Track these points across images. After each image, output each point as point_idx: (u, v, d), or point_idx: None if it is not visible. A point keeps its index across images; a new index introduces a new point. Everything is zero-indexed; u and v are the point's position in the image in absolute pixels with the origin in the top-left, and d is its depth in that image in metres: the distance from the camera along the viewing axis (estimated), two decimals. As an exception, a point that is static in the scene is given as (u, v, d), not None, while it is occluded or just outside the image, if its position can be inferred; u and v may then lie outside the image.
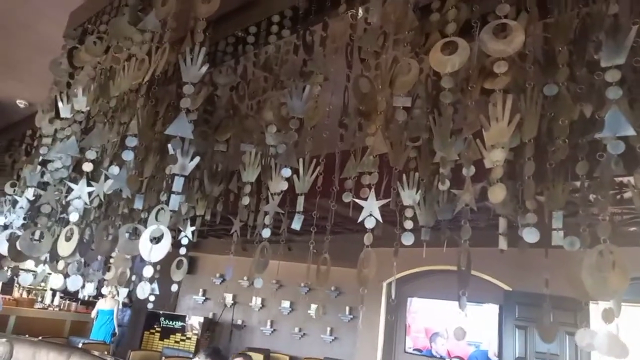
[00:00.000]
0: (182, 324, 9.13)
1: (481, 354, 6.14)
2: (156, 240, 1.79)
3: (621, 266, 1.86)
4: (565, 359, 5.21)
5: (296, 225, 2.21)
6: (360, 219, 1.90)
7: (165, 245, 1.77)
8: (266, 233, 2.21)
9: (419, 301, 7.01)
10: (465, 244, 1.95)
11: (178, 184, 1.91)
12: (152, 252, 1.74)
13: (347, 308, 9.65)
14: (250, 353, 9.05)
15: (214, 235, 8.84)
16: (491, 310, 6.11)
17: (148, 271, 1.79)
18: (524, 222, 1.94)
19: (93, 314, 8.05)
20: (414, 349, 6.86)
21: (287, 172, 2.22)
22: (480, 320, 6.24)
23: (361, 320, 7.72)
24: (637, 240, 4.93)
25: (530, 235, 2.06)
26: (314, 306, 10.06)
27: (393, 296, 4.44)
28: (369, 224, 1.88)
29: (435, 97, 2.24)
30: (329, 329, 9.85)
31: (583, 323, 2.79)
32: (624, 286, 1.92)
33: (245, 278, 10.43)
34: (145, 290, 1.83)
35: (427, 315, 6.85)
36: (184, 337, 9.00)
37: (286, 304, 10.16)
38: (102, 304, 7.93)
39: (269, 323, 10.15)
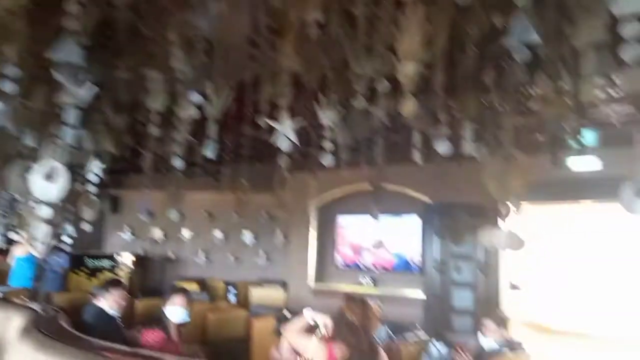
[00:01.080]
0: (110, 263, 8.90)
1: (404, 263, 6.59)
2: (52, 178, 1.62)
3: (522, 170, 2.00)
4: (479, 259, 5.73)
5: (209, 152, 2.12)
6: (274, 141, 1.84)
7: (62, 183, 1.61)
8: (178, 163, 2.10)
9: (346, 218, 7.27)
10: (379, 160, 1.97)
11: (70, 115, 1.72)
12: (47, 190, 1.58)
13: (280, 232, 9.88)
14: (186, 283, 9.11)
15: (135, 171, 8.44)
16: (413, 222, 6.48)
17: (43, 211, 1.63)
18: (436, 134, 1.98)
19: (9, 260, 7.58)
20: (343, 265, 7.22)
21: (196, 97, 2.07)
22: (403, 232, 6.63)
23: (290, 243, 7.93)
24: (539, 147, 5.33)
25: (442, 146, 2.13)
26: (246, 233, 10.18)
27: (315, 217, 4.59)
28: (283, 144, 1.84)
29: (348, 12, 2.13)
30: (262, 252, 10.08)
31: (489, 225, 3.00)
32: (525, 188, 2.09)
33: (173, 211, 10.25)
34: (42, 232, 1.68)
35: (355, 231, 7.15)
36: (114, 276, 8.80)
37: (218, 233, 10.17)
38: (17, 250, 7.46)
39: (202, 253, 10.18)
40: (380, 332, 4.03)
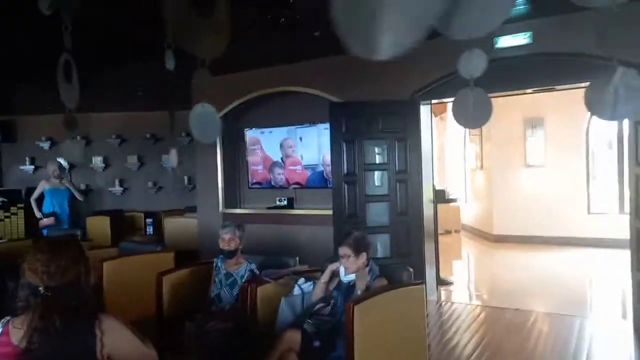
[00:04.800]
0: (1, 199, 7.76)
1: (317, 176, 5.66)
2: None
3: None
4: (395, 167, 4.79)
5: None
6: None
7: None
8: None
9: (255, 132, 6.20)
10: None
11: None
12: None
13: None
14: (98, 217, 8.07)
15: (28, 88, 6.99)
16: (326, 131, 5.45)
17: None
18: None
19: None
20: (253, 183, 6.26)
21: None
22: (317, 142, 5.64)
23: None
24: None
25: None
26: (165, 156, 9.08)
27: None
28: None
29: None
30: (186, 178, 9.06)
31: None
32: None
33: (78, 137, 8.98)
34: None
35: (265, 145, 6.13)
36: (8, 214, 7.72)
37: (133, 159, 9.05)
38: None
39: (117, 182, 9.10)
40: (241, 270, 3.13)
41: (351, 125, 4.76)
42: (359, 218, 4.81)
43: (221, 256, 3.18)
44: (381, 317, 2.35)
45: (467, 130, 9.47)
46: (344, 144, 4.79)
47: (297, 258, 3.31)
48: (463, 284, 6.10)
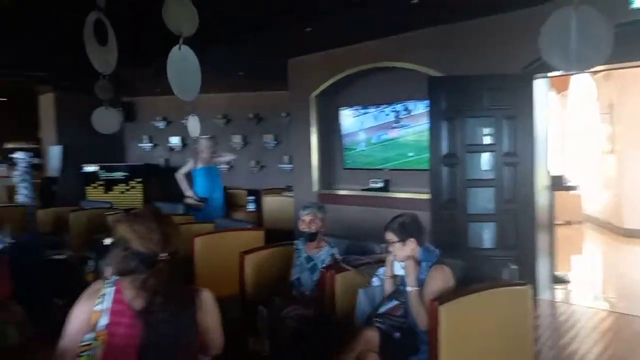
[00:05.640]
0: (123, 174, 8.49)
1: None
2: None
3: None
4: (502, 148, 4.26)
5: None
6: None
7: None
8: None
9: (350, 111, 5.98)
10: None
11: None
12: None
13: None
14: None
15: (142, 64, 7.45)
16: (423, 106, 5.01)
17: None
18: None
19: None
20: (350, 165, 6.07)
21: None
22: (415, 120, 5.26)
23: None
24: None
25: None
26: (267, 136, 9.29)
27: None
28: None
29: None
30: (286, 157, 9.17)
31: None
32: None
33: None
34: None
35: (361, 124, 5.88)
36: (128, 187, 8.44)
37: (237, 138, 9.37)
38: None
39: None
40: (322, 254, 2.94)
41: (452, 101, 4.32)
42: (458, 204, 4.38)
43: (302, 238, 3.04)
44: (474, 320, 2.02)
45: (596, 108, 8.30)
46: (444, 122, 4.36)
47: (384, 245, 3.04)
48: (584, 284, 5.36)
